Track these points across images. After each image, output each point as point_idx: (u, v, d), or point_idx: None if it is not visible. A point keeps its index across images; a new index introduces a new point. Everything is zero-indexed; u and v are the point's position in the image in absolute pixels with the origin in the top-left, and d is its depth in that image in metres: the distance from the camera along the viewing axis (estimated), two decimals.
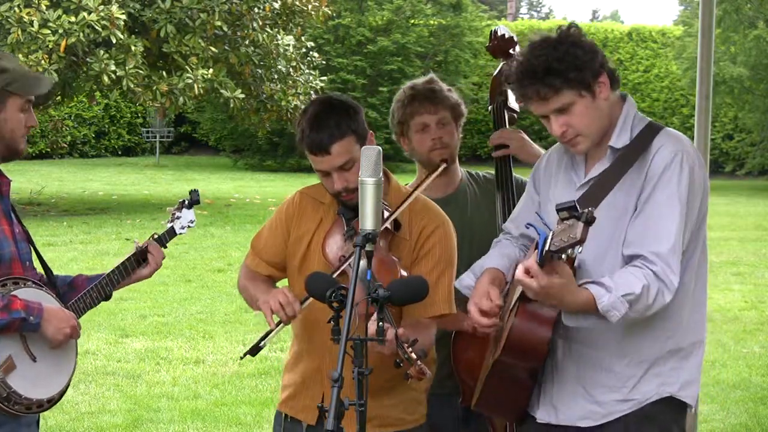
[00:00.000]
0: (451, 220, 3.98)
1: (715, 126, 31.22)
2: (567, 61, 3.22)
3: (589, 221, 2.83)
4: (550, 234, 2.90)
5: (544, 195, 3.51)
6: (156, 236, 3.99)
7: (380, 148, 3.18)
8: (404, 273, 3.48)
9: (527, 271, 3.00)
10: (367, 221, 3.09)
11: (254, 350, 3.64)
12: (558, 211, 2.87)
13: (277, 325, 3.50)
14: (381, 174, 3.12)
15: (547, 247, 2.89)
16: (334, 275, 3.49)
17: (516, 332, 3.21)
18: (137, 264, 3.89)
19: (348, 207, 3.60)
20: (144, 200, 21.89)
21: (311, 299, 3.50)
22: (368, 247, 3.08)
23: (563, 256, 2.88)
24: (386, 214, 3.54)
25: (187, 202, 4.07)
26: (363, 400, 2.97)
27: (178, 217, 4.06)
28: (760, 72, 28.58)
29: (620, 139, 3.33)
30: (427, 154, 4.22)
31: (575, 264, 3.20)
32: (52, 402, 3.64)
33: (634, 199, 3.26)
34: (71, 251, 14.83)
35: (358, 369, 2.99)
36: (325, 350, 3.63)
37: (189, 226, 4.07)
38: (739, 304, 12.04)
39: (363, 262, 3.30)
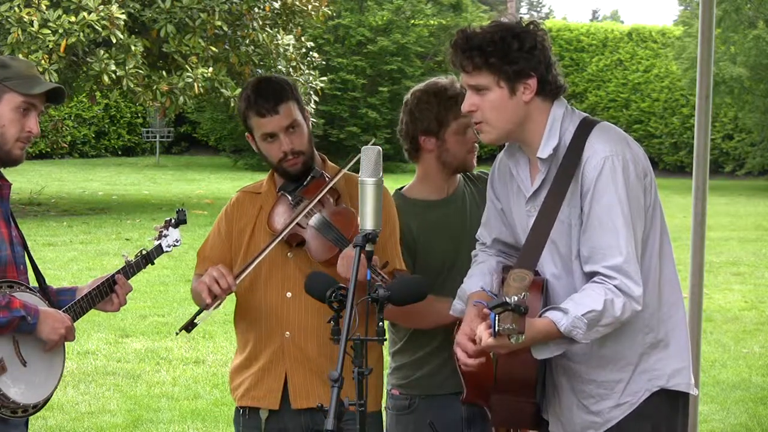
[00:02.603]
0: (452, 221, 3.98)
1: (715, 126, 31.24)
2: (498, 48, 3.22)
3: (524, 312, 2.87)
4: (498, 317, 2.91)
5: (505, 202, 3.50)
6: (144, 252, 3.99)
7: (380, 148, 3.20)
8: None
9: (488, 347, 3.06)
10: (367, 221, 3.11)
11: (189, 326, 3.68)
12: (492, 308, 2.90)
13: (214, 299, 3.59)
14: (381, 174, 3.15)
15: (496, 329, 2.91)
16: (286, 232, 3.62)
17: (502, 371, 3.24)
18: (110, 290, 3.85)
19: (290, 177, 3.75)
20: (144, 200, 21.90)
21: (246, 272, 3.64)
22: (368, 247, 3.09)
23: (512, 340, 2.91)
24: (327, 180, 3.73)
25: (173, 221, 4.09)
26: (363, 400, 2.98)
27: (165, 235, 4.08)
28: (759, 72, 28.59)
29: (546, 148, 3.29)
30: (464, 156, 4.16)
31: (544, 283, 3.27)
32: (36, 408, 3.63)
33: (577, 211, 3.25)
34: (71, 251, 14.83)
35: (358, 369, 3.00)
36: (283, 330, 3.73)
37: (175, 245, 4.09)
38: (739, 304, 12.04)
39: (318, 216, 3.63)
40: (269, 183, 3.87)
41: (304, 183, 3.74)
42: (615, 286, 3.14)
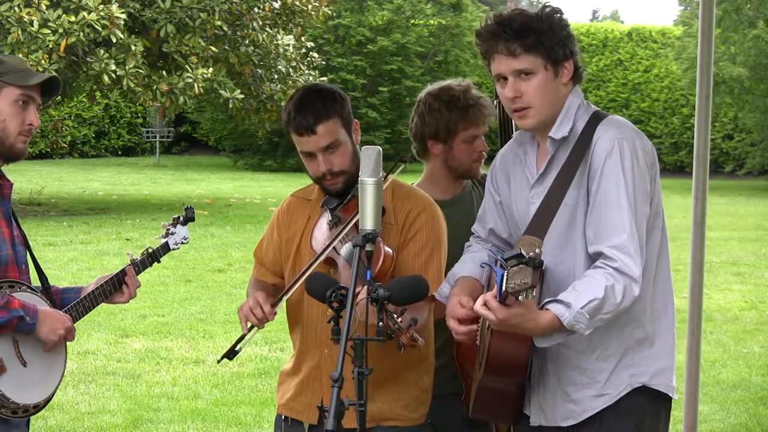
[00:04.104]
0: (457, 221, 3.98)
1: (715, 126, 31.24)
2: (544, 28, 3.24)
3: (538, 266, 2.86)
4: (505, 273, 2.89)
5: (504, 194, 3.50)
6: (150, 250, 3.99)
7: (380, 148, 3.20)
8: (388, 249, 3.52)
9: (486, 305, 3.02)
10: (367, 221, 3.10)
11: (231, 354, 3.68)
12: (506, 260, 2.89)
13: (250, 329, 3.58)
14: (381, 174, 3.14)
15: (503, 288, 2.90)
16: (317, 262, 3.54)
17: (494, 352, 3.22)
18: (114, 288, 3.86)
19: (332, 194, 3.66)
20: (144, 200, 21.89)
21: (283, 300, 3.60)
22: (368, 247, 3.08)
23: (520, 298, 2.89)
24: None
25: (181, 218, 4.07)
26: (363, 400, 2.98)
27: (172, 233, 4.06)
28: (759, 72, 28.58)
29: (560, 130, 3.31)
30: (469, 164, 4.19)
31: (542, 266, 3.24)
32: (38, 408, 3.63)
33: (584, 192, 3.26)
34: (71, 251, 14.83)
35: (358, 369, 3.00)
36: (322, 347, 3.67)
37: (183, 243, 4.08)
38: (739, 304, 12.04)
39: (348, 246, 3.45)
40: (319, 191, 3.76)
41: (344, 201, 3.64)
42: (616, 268, 3.15)
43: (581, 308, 3.08)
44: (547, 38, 3.23)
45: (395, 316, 3.27)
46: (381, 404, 3.58)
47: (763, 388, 8.55)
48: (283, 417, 3.81)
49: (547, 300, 3.14)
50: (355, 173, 3.59)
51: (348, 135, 3.64)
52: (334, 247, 3.56)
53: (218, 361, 3.83)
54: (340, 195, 3.65)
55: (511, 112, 3.35)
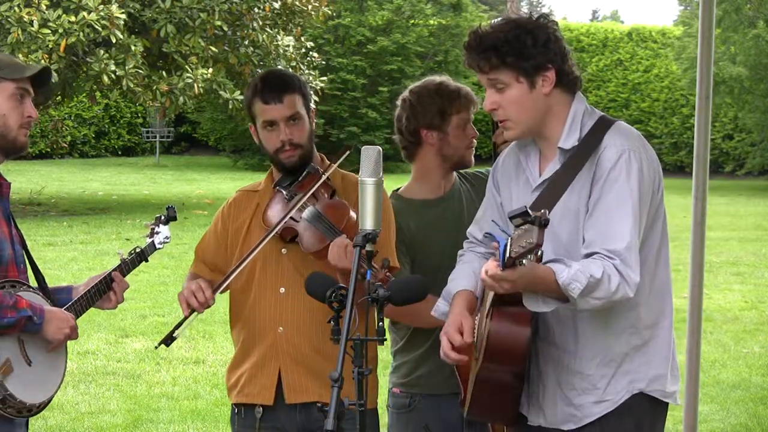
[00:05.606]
0: (449, 219, 3.99)
1: (715, 126, 31.24)
2: (512, 45, 3.24)
3: (543, 224, 2.84)
4: (509, 240, 2.90)
5: (505, 195, 3.50)
6: (138, 249, 4.00)
7: (380, 148, 3.20)
8: (353, 214, 3.60)
9: (493, 277, 3.03)
10: (367, 221, 3.11)
11: (168, 340, 3.74)
12: (511, 218, 2.89)
13: (191, 313, 3.66)
14: (381, 174, 3.16)
15: (508, 254, 2.90)
16: (273, 232, 3.64)
17: (494, 336, 3.21)
18: (108, 287, 3.86)
19: (286, 169, 3.76)
20: (144, 200, 21.90)
21: (225, 284, 3.69)
22: (368, 247, 3.09)
23: (524, 261, 2.89)
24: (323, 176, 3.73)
25: (163, 218, 4.09)
26: (363, 400, 2.98)
27: (157, 232, 4.08)
28: (759, 72, 28.60)
29: (569, 139, 3.31)
30: (463, 151, 4.21)
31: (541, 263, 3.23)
32: (41, 407, 3.64)
33: (585, 200, 3.26)
34: (71, 251, 14.84)
35: (358, 369, 3.00)
36: (276, 326, 3.73)
37: (165, 242, 4.11)
38: (739, 304, 12.04)
39: (310, 209, 3.64)
40: (267, 180, 3.88)
41: (299, 178, 3.74)
42: (614, 265, 3.14)
43: (581, 270, 3.07)
44: (512, 58, 3.24)
45: (377, 268, 3.30)
46: (324, 382, 3.49)
47: (763, 388, 8.56)
48: (235, 410, 3.84)
49: (546, 260, 3.12)
50: (311, 151, 3.79)
51: (308, 115, 3.80)
52: (292, 217, 3.65)
53: (156, 347, 3.87)
54: (294, 171, 3.75)
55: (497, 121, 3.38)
